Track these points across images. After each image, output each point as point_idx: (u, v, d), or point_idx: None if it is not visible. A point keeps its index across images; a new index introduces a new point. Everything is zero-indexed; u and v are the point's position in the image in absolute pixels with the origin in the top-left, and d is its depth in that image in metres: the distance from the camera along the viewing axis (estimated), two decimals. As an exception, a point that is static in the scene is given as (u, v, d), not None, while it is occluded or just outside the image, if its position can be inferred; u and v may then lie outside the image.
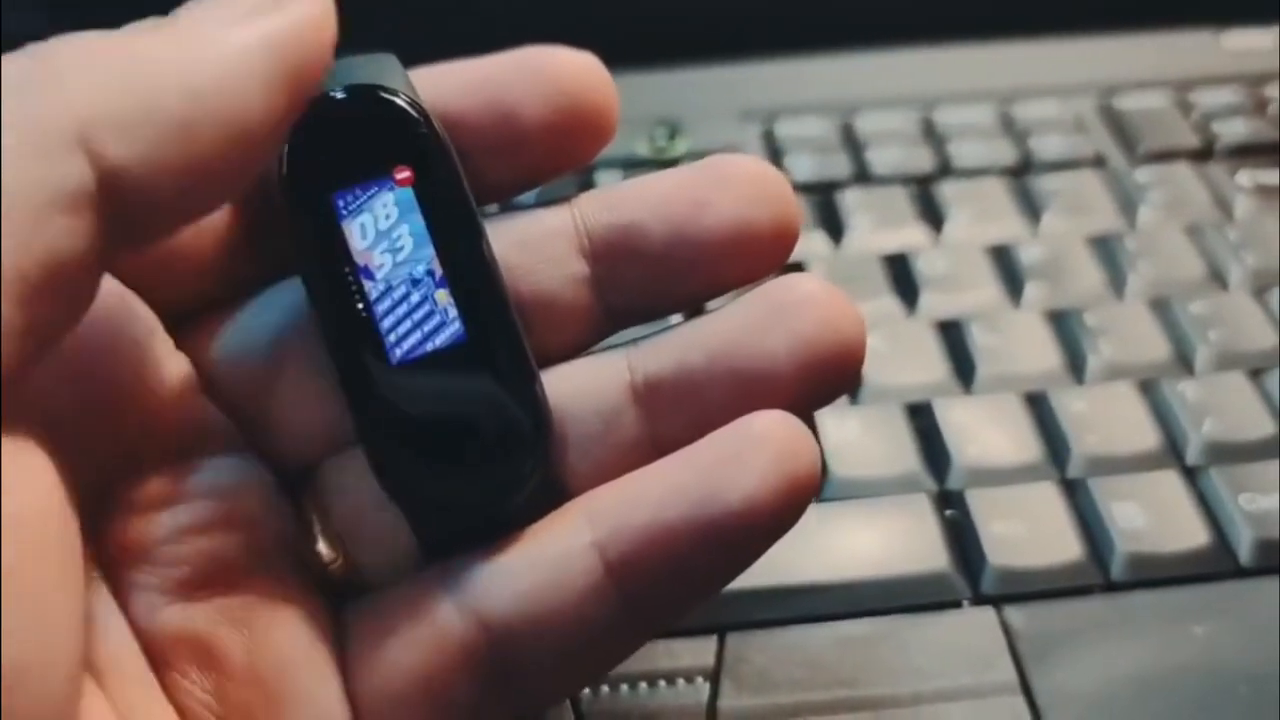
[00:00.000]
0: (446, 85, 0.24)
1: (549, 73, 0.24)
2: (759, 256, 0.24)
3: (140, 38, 0.20)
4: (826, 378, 0.23)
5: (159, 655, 0.23)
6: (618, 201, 0.25)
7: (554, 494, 0.24)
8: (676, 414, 0.24)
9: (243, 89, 0.20)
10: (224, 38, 0.20)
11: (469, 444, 0.23)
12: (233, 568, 0.23)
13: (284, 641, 0.23)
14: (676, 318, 0.26)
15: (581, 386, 0.24)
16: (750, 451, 0.22)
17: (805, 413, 0.23)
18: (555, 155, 0.25)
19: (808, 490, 0.23)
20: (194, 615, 0.23)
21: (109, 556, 0.23)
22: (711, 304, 0.25)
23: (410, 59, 0.24)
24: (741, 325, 0.24)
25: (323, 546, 0.24)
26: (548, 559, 0.23)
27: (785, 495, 0.22)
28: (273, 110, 0.20)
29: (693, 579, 0.23)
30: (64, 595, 0.19)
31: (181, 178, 0.19)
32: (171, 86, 0.19)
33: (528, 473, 0.23)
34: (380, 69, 0.24)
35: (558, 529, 0.23)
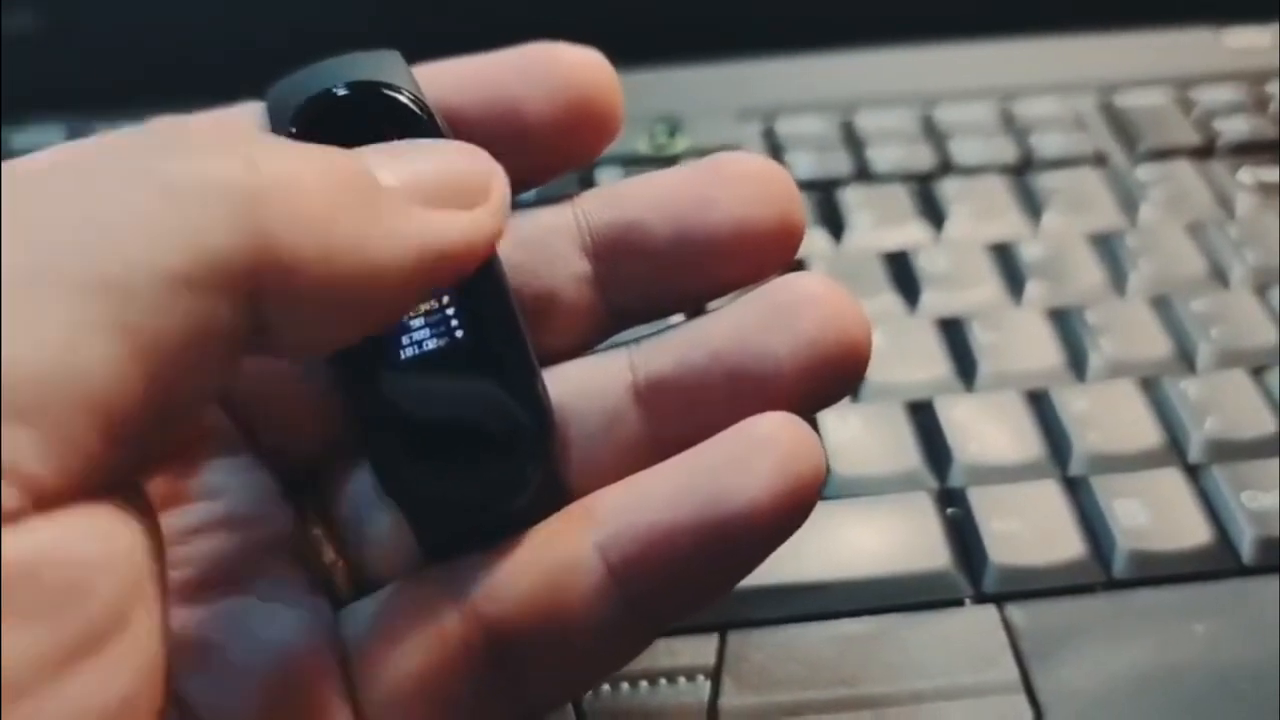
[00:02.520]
0: (450, 82, 0.24)
1: (553, 70, 0.24)
2: (763, 255, 0.24)
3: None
4: (830, 378, 0.23)
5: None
6: (620, 199, 0.25)
7: (556, 494, 0.24)
8: (679, 414, 0.24)
9: (383, 281, 0.19)
10: (403, 227, 0.20)
11: (471, 444, 0.23)
12: (234, 569, 0.23)
13: (285, 644, 0.23)
14: (679, 317, 0.26)
15: (583, 386, 0.24)
16: (755, 454, 0.22)
17: (809, 413, 0.23)
18: (560, 152, 0.24)
19: (812, 494, 0.23)
20: (195, 617, 0.23)
21: None
22: (714, 303, 0.25)
23: (413, 56, 0.24)
24: (744, 325, 0.24)
25: (324, 548, 0.24)
26: (550, 561, 0.23)
27: (790, 499, 0.22)
28: (404, 297, 0.20)
29: (696, 582, 0.23)
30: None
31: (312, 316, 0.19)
32: (348, 246, 0.19)
33: (529, 473, 0.23)
34: (384, 66, 0.24)
35: (560, 531, 0.23)
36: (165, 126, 0.23)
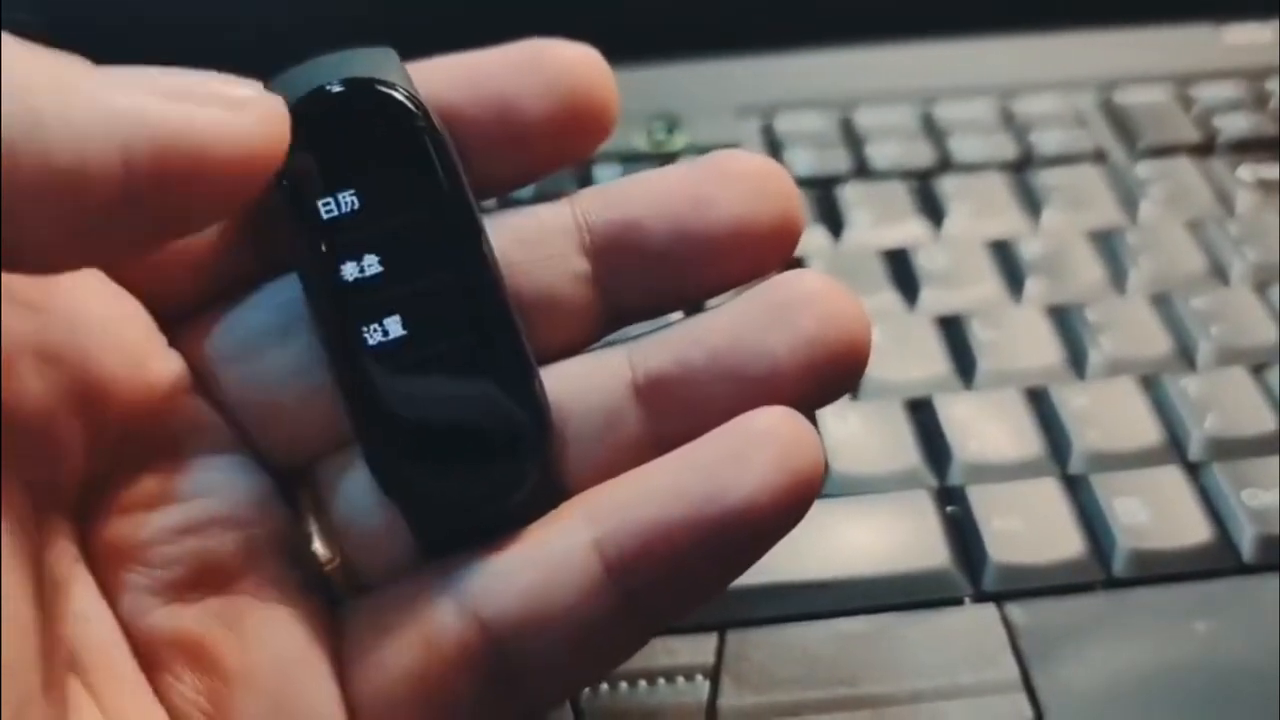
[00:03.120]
0: (445, 79, 0.24)
1: (548, 66, 0.24)
2: (761, 253, 0.24)
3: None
4: (830, 376, 0.23)
5: (151, 656, 0.22)
6: (619, 198, 0.25)
7: (554, 492, 0.24)
8: (677, 412, 0.24)
9: (92, 144, 0.19)
10: (115, 96, 0.19)
11: (468, 442, 0.23)
12: (226, 568, 0.23)
13: (279, 642, 0.23)
14: (677, 315, 0.26)
15: (582, 384, 0.24)
16: (752, 449, 0.22)
17: (809, 410, 0.23)
18: (555, 149, 0.24)
19: (811, 489, 0.22)
20: (186, 616, 0.23)
21: (100, 556, 0.23)
22: (713, 301, 0.25)
23: (408, 52, 0.24)
24: (743, 323, 0.23)
25: (319, 546, 0.24)
26: (547, 558, 0.23)
27: (788, 494, 0.22)
28: (127, 184, 0.19)
29: (694, 578, 0.23)
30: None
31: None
32: (17, 106, 0.18)
33: (527, 471, 0.23)
34: (378, 62, 0.24)
35: (557, 528, 0.23)
36: None
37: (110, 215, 0.19)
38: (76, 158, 0.18)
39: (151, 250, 0.22)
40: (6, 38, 0.19)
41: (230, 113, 0.20)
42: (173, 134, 0.19)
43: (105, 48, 0.47)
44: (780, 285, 0.24)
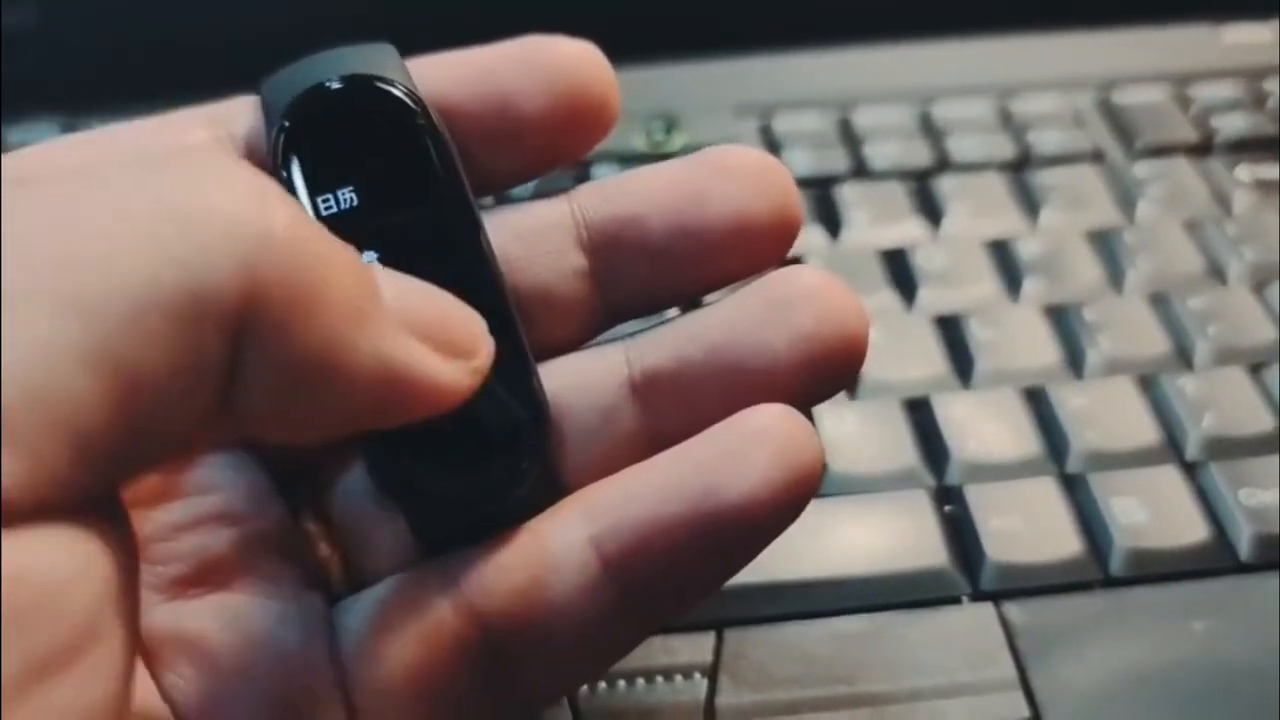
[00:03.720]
0: (444, 75, 0.24)
1: (548, 62, 0.24)
2: (759, 249, 0.24)
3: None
4: (827, 372, 0.23)
5: (151, 652, 0.22)
6: (616, 193, 0.24)
7: (551, 489, 0.24)
8: (675, 408, 0.24)
9: (349, 385, 0.19)
10: (386, 345, 0.19)
11: (466, 439, 0.23)
12: (226, 564, 0.23)
13: (278, 639, 0.23)
14: (675, 311, 0.26)
15: (579, 381, 0.24)
16: (751, 446, 0.22)
17: (807, 406, 0.23)
18: (554, 146, 0.24)
19: (809, 486, 0.22)
20: (187, 612, 0.23)
21: None
22: (711, 296, 0.25)
23: (408, 49, 0.24)
24: (741, 319, 0.23)
25: (318, 543, 0.24)
26: (545, 554, 0.23)
27: (786, 491, 0.22)
28: (348, 412, 0.20)
29: (691, 575, 0.23)
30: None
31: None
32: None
33: (525, 468, 0.23)
34: (376, 58, 0.24)
35: (555, 524, 0.23)
36: (180, 144, 0.23)
37: (337, 414, 0.20)
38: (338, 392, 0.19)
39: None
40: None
41: (450, 367, 0.20)
42: (410, 393, 0.20)
43: (103, 47, 0.48)
44: (778, 281, 0.24)
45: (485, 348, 0.21)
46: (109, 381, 0.17)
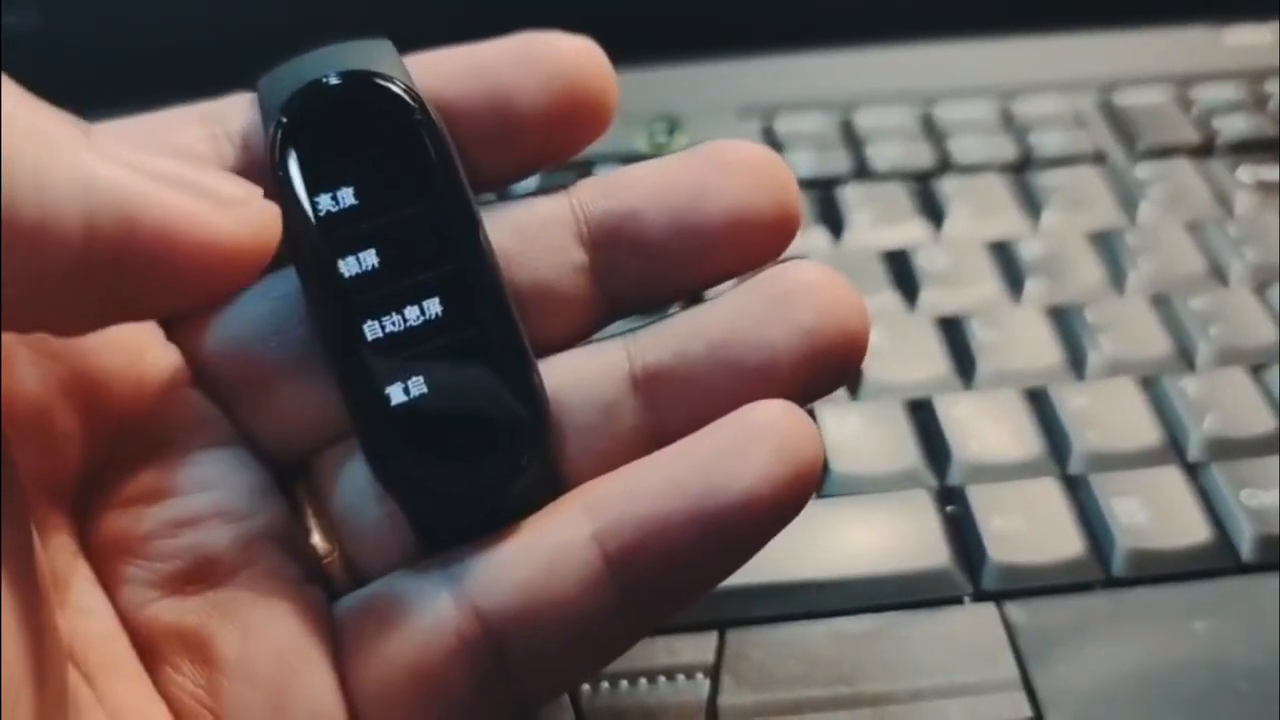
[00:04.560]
0: (442, 71, 0.24)
1: (546, 59, 0.24)
2: (759, 243, 0.24)
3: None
4: (827, 367, 0.23)
5: (150, 649, 0.22)
6: (616, 188, 0.24)
7: (552, 485, 0.24)
8: (676, 404, 0.24)
9: (57, 204, 0.18)
10: (98, 163, 0.19)
11: (466, 435, 0.23)
12: (225, 561, 0.23)
13: (277, 635, 0.23)
14: (675, 306, 0.26)
15: (580, 376, 0.24)
16: (751, 442, 0.22)
17: (807, 402, 0.23)
18: (553, 143, 0.24)
19: (810, 482, 0.22)
20: (186, 609, 0.23)
21: (98, 549, 0.23)
22: (711, 291, 0.25)
23: (406, 45, 0.24)
24: (741, 314, 0.23)
25: (317, 539, 0.24)
26: (545, 551, 0.23)
27: (787, 487, 0.22)
28: (85, 251, 0.19)
29: (693, 571, 0.23)
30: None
31: None
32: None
33: (525, 464, 0.23)
34: (375, 54, 0.24)
35: (556, 520, 0.23)
36: (163, 143, 0.23)
37: (66, 282, 0.19)
38: (38, 217, 0.18)
39: (105, 325, 0.21)
40: (9, 86, 0.19)
41: (212, 208, 0.20)
42: (141, 214, 0.19)
43: (104, 47, 0.48)
44: (778, 276, 0.24)
45: (259, 199, 0.21)
46: None
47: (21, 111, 0.19)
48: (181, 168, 0.20)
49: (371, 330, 0.23)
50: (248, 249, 0.21)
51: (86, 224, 0.19)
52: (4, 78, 0.19)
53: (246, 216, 0.21)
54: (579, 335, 0.25)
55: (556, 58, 0.24)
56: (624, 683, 0.29)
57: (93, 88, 0.41)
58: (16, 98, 0.19)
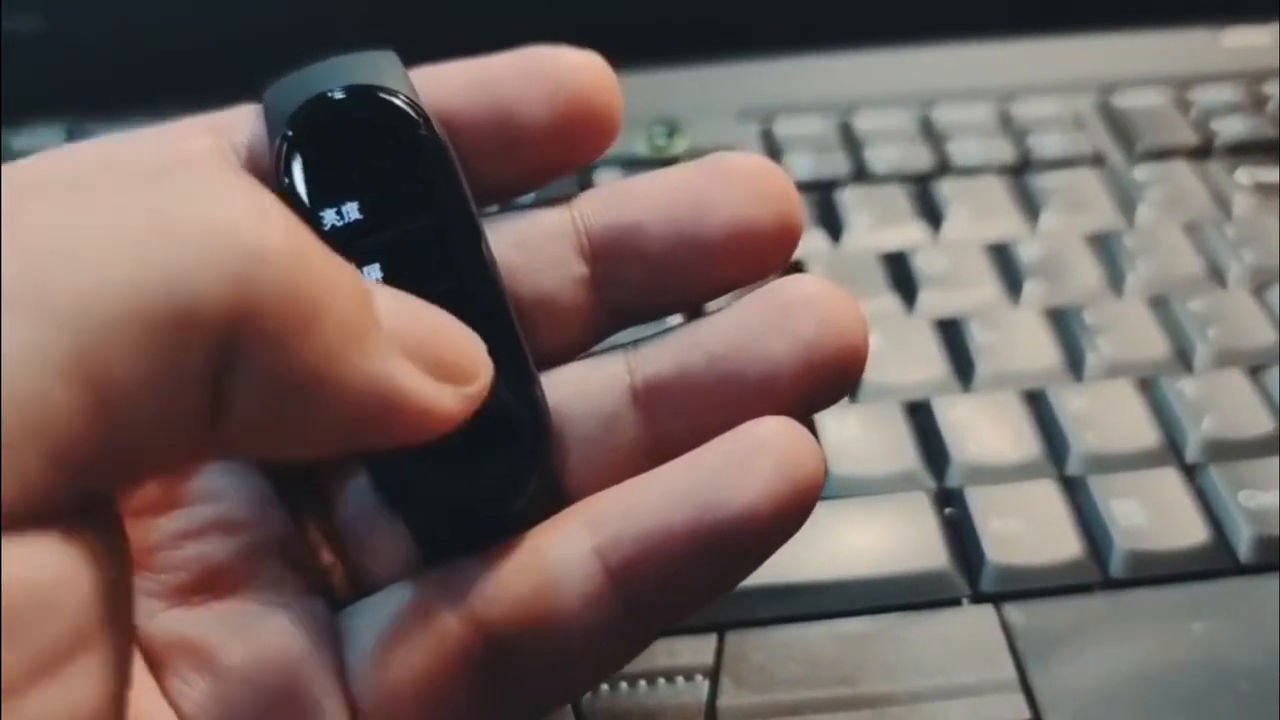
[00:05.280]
0: (446, 85, 0.24)
1: (550, 73, 0.24)
2: (761, 256, 0.24)
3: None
4: (827, 380, 0.23)
5: (157, 660, 0.23)
6: (617, 201, 0.24)
7: (553, 497, 0.24)
8: (677, 417, 0.24)
9: (339, 405, 0.19)
10: (380, 366, 0.19)
11: (468, 447, 0.23)
12: (230, 572, 0.23)
13: (282, 646, 0.23)
14: (676, 319, 0.26)
15: (581, 389, 0.24)
16: (753, 458, 0.22)
17: (808, 414, 0.23)
18: (556, 156, 0.24)
19: (811, 497, 0.23)
20: (191, 620, 0.23)
21: None
22: (712, 305, 0.25)
23: (411, 57, 0.24)
24: (742, 327, 0.23)
25: (321, 550, 0.24)
26: (548, 564, 0.23)
27: (788, 502, 0.22)
28: (336, 432, 0.19)
29: (694, 585, 0.23)
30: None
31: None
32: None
33: (527, 476, 0.23)
34: (379, 68, 0.24)
35: (558, 534, 0.23)
36: (181, 154, 0.23)
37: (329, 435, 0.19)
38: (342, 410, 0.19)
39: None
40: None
41: (443, 391, 0.20)
42: (398, 412, 0.19)
43: (106, 49, 0.48)
44: (778, 289, 0.24)
45: (483, 373, 0.21)
46: (89, 395, 0.16)
47: (341, 269, 0.19)
48: (422, 324, 0.20)
49: None
50: (454, 421, 0.21)
51: (355, 418, 0.19)
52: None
53: (466, 396, 0.21)
54: (580, 347, 0.25)
55: (561, 71, 0.24)
56: (623, 685, 0.29)
57: (95, 93, 0.41)
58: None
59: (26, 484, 0.16)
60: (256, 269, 0.17)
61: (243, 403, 0.18)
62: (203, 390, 0.17)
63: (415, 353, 0.19)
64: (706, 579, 0.23)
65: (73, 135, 0.40)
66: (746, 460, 0.22)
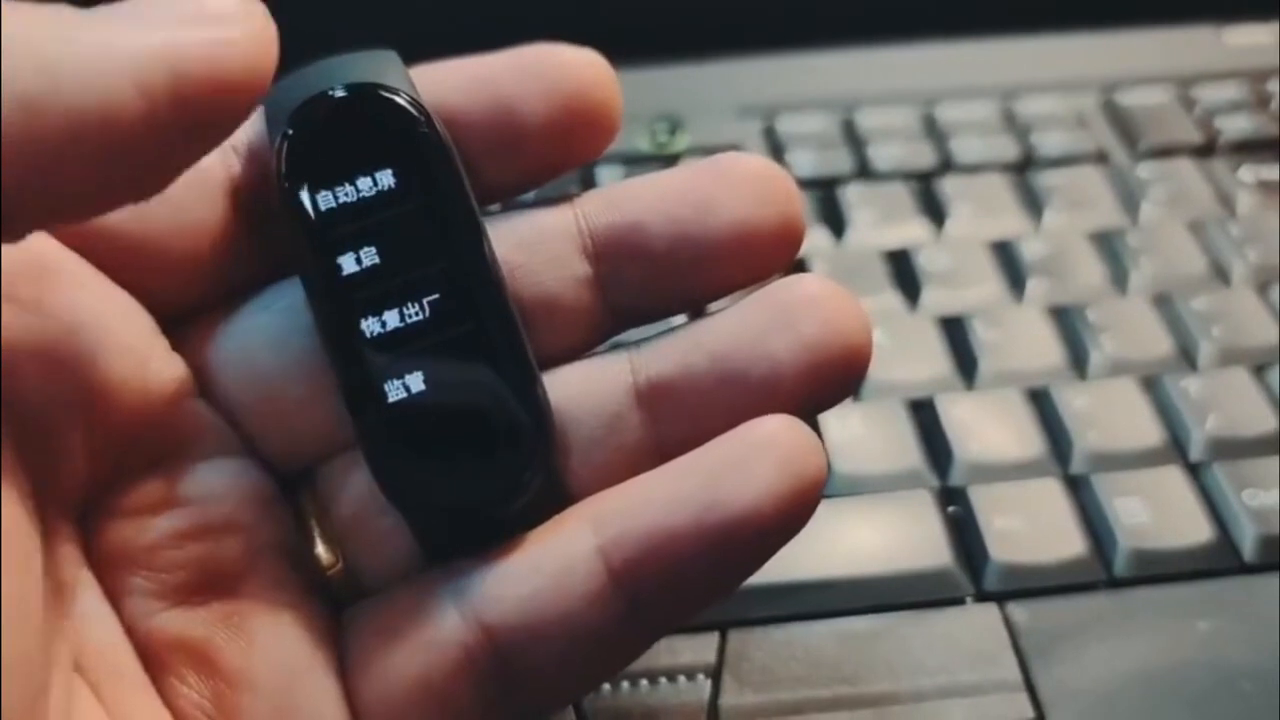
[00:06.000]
0: (448, 83, 0.24)
1: (551, 71, 0.24)
2: (764, 257, 0.24)
3: (41, 17, 0.19)
4: (831, 381, 0.23)
5: (155, 660, 0.22)
6: (621, 201, 0.24)
7: (556, 497, 0.24)
8: (679, 417, 0.24)
9: (110, 86, 0.18)
10: (115, 35, 0.19)
11: (470, 447, 0.23)
12: (230, 572, 0.23)
13: (282, 646, 0.23)
14: (679, 319, 0.26)
15: (584, 389, 0.24)
16: (756, 458, 0.22)
17: (811, 415, 0.23)
18: (557, 155, 0.24)
19: (813, 497, 0.22)
20: (191, 620, 0.23)
21: (104, 560, 0.23)
22: (715, 305, 0.25)
23: (411, 56, 0.24)
24: (745, 327, 0.23)
25: (322, 550, 0.24)
26: (551, 564, 0.23)
27: (791, 501, 0.22)
28: (150, 116, 0.19)
29: (697, 585, 0.23)
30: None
31: (22, 155, 0.18)
32: (28, 63, 0.18)
33: (529, 476, 0.23)
34: (380, 66, 0.24)
35: (561, 534, 0.23)
36: None
37: (139, 149, 0.19)
38: (99, 99, 0.18)
39: (175, 178, 0.21)
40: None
41: (223, 29, 0.20)
42: (181, 59, 0.19)
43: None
44: (782, 289, 0.24)
45: (258, 13, 0.20)
46: None
47: (30, 14, 0.19)
48: (169, 5, 0.20)
49: (376, 341, 0.23)
50: (266, 51, 0.20)
51: (139, 89, 0.19)
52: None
53: (249, 24, 0.20)
54: (582, 347, 0.25)
55: (561, 70, 0.24)
56: (625, 684, 0.29)
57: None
58: (14, 5, 0.19)
59: None
60: None
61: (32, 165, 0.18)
62: None
63: (158, 15, 0.19)
64: (709, 579, 0.23)
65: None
66: (749, 460, 0.22)
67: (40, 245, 0.22)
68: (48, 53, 0.18)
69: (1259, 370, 0.35)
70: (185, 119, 0.19)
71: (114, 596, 0.23)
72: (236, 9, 0.20)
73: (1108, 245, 0.39)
